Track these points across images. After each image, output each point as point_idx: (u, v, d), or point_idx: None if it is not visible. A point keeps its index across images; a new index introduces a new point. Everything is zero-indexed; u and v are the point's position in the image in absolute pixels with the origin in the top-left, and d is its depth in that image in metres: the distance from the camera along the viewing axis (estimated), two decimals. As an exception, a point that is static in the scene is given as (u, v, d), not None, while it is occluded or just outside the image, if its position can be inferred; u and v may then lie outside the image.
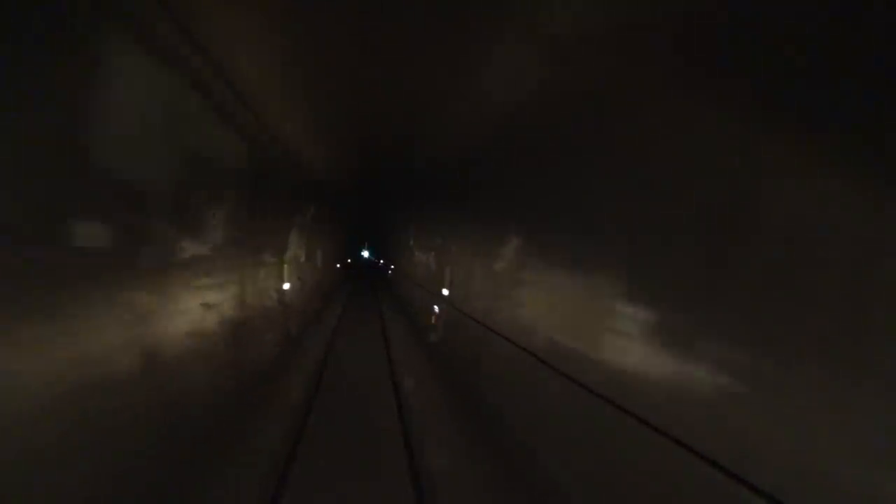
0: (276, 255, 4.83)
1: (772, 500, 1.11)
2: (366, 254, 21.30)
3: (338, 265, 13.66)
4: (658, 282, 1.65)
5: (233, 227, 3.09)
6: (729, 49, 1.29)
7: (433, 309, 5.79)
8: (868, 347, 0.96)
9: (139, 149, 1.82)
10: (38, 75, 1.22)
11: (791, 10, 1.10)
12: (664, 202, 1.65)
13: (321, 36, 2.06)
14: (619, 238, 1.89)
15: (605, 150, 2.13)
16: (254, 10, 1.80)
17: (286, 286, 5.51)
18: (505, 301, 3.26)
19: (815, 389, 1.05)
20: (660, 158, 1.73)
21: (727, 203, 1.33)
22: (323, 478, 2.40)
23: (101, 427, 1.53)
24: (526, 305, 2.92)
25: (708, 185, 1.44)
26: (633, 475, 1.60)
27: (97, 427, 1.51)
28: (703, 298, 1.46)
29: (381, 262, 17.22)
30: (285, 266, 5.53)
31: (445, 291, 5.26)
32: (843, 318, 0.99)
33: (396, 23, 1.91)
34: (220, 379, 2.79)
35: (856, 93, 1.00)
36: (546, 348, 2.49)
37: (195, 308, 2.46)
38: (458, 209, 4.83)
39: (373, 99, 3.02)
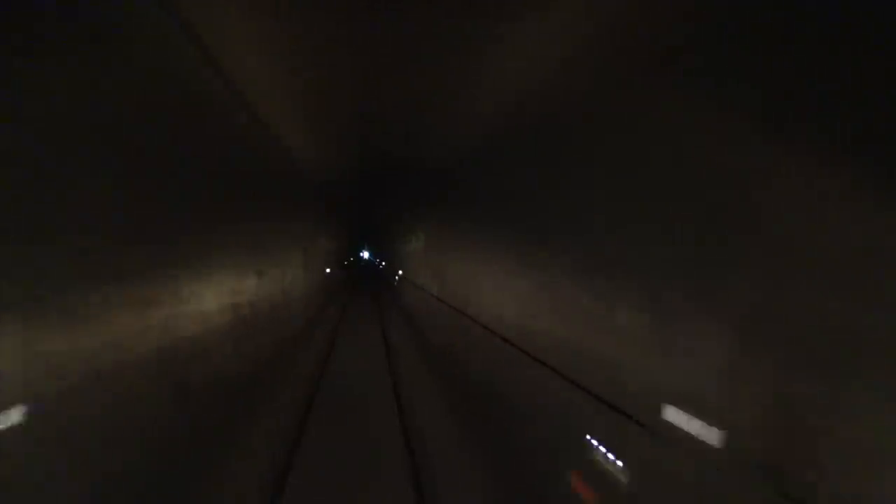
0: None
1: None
2: (365, 254, 23.74)
3: (344, 262, 18.00)
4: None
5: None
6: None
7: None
8: (866, 348, 1.01)
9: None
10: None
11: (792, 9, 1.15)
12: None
13: (322, 38, 2.07)
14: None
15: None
16: (255, 12, 1.85)
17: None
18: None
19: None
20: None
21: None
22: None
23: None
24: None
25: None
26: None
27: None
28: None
29: (377, 260, 20.37)
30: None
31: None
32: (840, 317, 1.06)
33: (399, 30, 1.95)
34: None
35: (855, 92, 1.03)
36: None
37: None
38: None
39: (373, 107, 3.15)
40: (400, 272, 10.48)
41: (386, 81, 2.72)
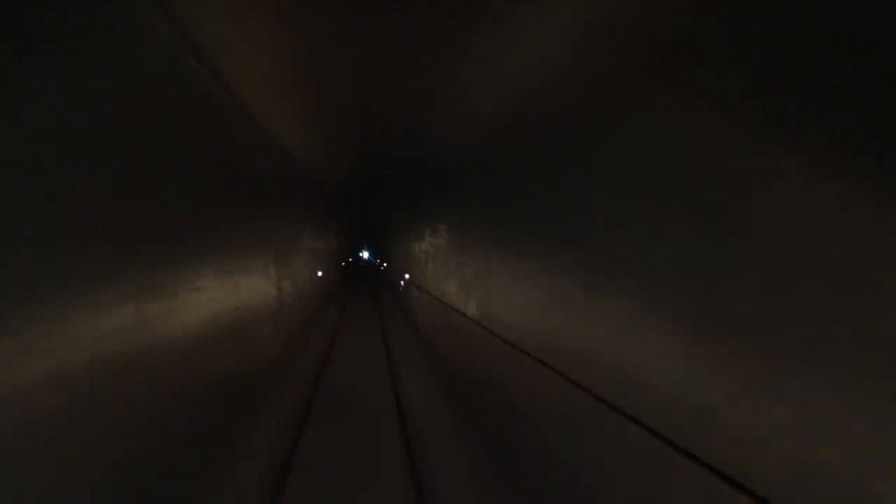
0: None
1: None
2: (365, 255, 23.98)
3: (342, 263, 18.09)
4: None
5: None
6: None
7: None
8: (866, 348, 1.02)
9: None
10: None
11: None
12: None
13: (321, 37, 2.07)
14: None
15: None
16: (255, 12, 1.86)
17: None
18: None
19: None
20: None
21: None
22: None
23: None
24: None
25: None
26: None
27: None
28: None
29: (377, 260, 20.32)
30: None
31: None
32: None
33: (399, 30, 1.96)
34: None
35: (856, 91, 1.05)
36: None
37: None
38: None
39: (373, 107, 3.15)
40: (407, 276, 9.73)
41: (386, 81, 2.68)
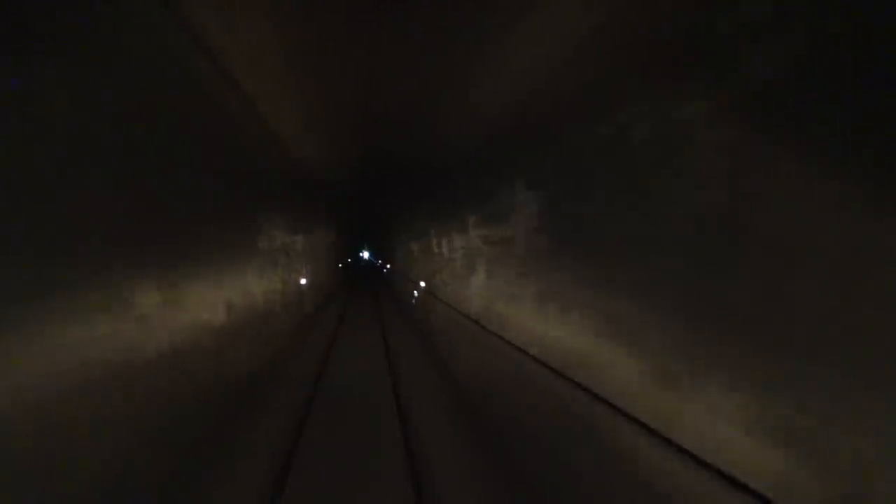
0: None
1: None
2: (365, 255, 23.86)
3: (340, 265, 17.91)
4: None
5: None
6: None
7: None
8: (863, 349, 1.02)
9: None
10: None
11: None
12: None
13: (327, 36, 2.05)
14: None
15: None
16: (256, 11, 1.84)
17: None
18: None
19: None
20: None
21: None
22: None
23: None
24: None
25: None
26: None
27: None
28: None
29: (379, 262, 19.72)
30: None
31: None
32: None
33: (405, 29, 1.94)
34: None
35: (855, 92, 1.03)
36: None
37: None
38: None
39: (378, 106, 3.11)
40: (422, 284, 8.09)
41: (391, 80, 2.71)
